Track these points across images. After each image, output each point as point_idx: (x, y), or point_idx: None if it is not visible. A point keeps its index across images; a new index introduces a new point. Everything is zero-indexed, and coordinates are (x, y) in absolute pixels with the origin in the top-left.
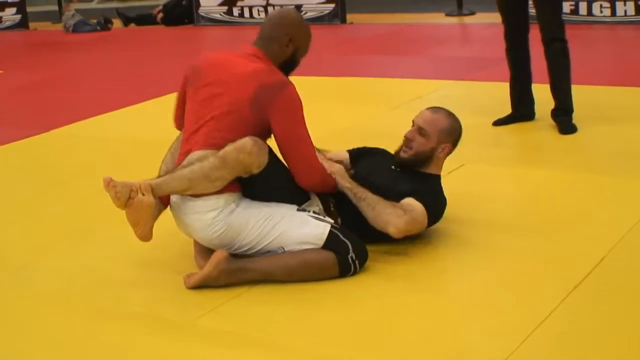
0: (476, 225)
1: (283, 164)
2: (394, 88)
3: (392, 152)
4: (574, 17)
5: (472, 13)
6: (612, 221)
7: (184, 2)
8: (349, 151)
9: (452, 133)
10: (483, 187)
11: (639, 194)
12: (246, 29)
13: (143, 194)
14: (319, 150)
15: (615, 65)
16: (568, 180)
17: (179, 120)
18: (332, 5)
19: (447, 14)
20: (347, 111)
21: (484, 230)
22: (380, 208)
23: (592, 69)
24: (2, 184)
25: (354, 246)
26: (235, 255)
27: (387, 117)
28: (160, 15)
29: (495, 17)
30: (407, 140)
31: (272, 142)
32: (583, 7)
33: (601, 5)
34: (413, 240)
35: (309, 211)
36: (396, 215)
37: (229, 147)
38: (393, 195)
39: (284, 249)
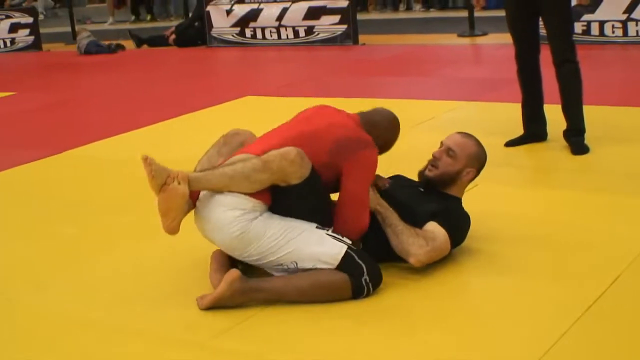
0: (489, 245)
1: (321, 185)
2: (406, 109)
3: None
4: (586, 38)
5: (484, 34)
6: (625, 241)
7: (196, 24)
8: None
9: (478, 159)
10: (496, 207)
11: None
12: (258, 50)
13: (179, 183)
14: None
15: (627, 86)
16: (581, 200)
17: None
18: (344, 27)
19: (460, 35)
20: None
21: (497, 250)
22: (404, 238)
23: (604, 89)
24: (17, 205)
25: (368, 269)
26: (247, 272)
27: (399, 138)
28: (173, 36)
29: (508, 38)
30: (434, 159)
31: None
32: (595, 28)
33: (613, 26)
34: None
35: (327, 230)
36: (418, 245)
37: (274, 152)
38: (416, 214)
39: (296, 263)
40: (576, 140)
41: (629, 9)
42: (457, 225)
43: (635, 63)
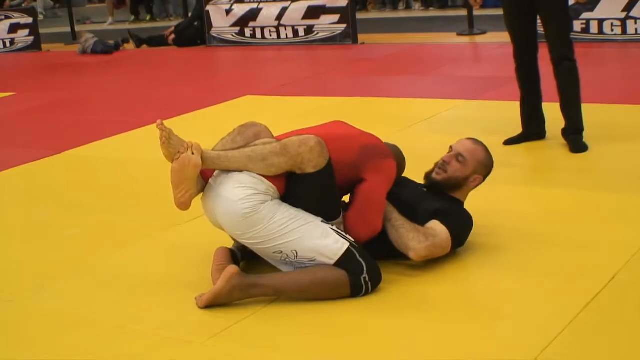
0: (487, 243)
1: (334, 180)
2: (405, 108)
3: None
4: (585, 36)
5: (483, 32)
6: (623, 239)
7: (195, 23)
8: None
9: (486, 167)
10: (495, 205)
11: None
12: (258, 50)
13: (193, 153)
14: None
15: (626, 84)
16: (579, 198)
17: None
18: (343, 26)
19: (459, 34)
20: None
21: (495, 248)
22: (403, 232)
23: (603, 87)
24: (17, 205)
25: (368, 268)
26: (247, 270)
27: (399, 137)
28: (172, 36)
29: (507, 37)
30: (444, 163)
31: None
32: (594, 26)
33: (612, 24)
34: (424, 261)
35: (332, 225)
36: (418, 240)
37: (294, 138)
38: (418, 212)
39: (297, 253)
40: (575, 139)
41: (628, 7)
42: (459, 224)
43: (634, 61)
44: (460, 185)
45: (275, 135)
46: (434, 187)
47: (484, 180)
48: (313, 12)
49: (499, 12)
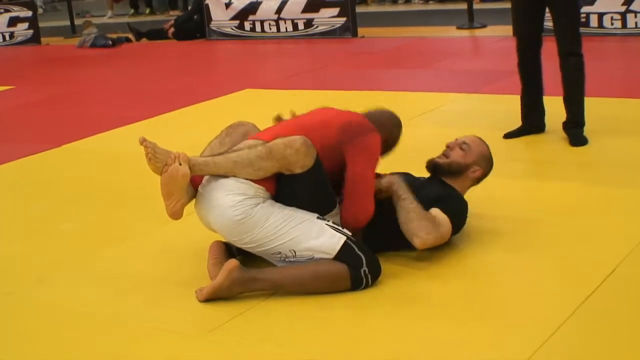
0: (487, 237)
1: (325, 175)
2: (405, 101)
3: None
4: (585, 30)
5: (483, 26)
6: (622, 233)
7: (195, 17)
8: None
9: (488, 161)
10: (494, 198)
11: None
12: (257, 43)
13: (180, 164)
14: (378, 175)
15: (626, 77)
16: (579, 192)
17: None
18: (343, 19)
19: (459, 27)
20: None
21: (494, 242)
22: (414, 216)
23: (603, 81)
24: (15, 199)
25: (367, 260)
26: (246, 263)
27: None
28: (172, 29)
29: (507, 30)
30: (447, 149)
31: None
32: (594, 20)
33: (612, 18)
34: (424, 253)
35: (328, 221)
36: (426, 230)
37: (279, 140)
38: (418, 198)
39: (295, 252)
40: (575, 132)
41: (628, 1)
42: (458, 210)
43: (634, 55)
44: (460, 172)
45: (261, 128)
46: (435, 171)
47: (483, 176)
48: (313, 6)
49: (499, 5)
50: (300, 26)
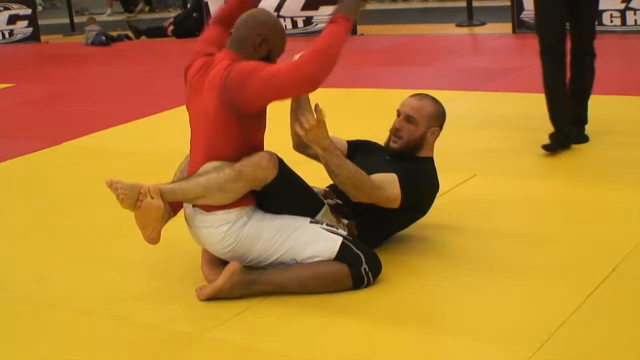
0: (486, 236)
1: (296, 175)
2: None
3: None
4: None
5: (482, 24)
6: (623, 232)
7: (194, 15)
8: (349, 142)
9: (439, 117)
10: (494, 197)
11: None
12: None
13: (152, 197)
14: None
15: (626, 75)
16: (579, 190)
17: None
18: None
19: (458, 25)
20: (358, 123)
21: (495, 240)
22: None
23: (603, 79)
24: (15, 196)
25: (367, 258)
26: (249, 267)
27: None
28: (171, 27)
29: (506, 28)
30: (396, 131)
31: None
32: None
33: (611, 15)
34: (426, 252)
35: (322, 223)
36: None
37: (246, 162)
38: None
39: (296, 260)
40: (577, 130)
41: None
42: (417, 184)
43: (633, 52)
44: (420, 144)
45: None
46: (397, 156)
47: (442, 128)
48: (312, 3)
49: (498, 3)
50: (300, 24)
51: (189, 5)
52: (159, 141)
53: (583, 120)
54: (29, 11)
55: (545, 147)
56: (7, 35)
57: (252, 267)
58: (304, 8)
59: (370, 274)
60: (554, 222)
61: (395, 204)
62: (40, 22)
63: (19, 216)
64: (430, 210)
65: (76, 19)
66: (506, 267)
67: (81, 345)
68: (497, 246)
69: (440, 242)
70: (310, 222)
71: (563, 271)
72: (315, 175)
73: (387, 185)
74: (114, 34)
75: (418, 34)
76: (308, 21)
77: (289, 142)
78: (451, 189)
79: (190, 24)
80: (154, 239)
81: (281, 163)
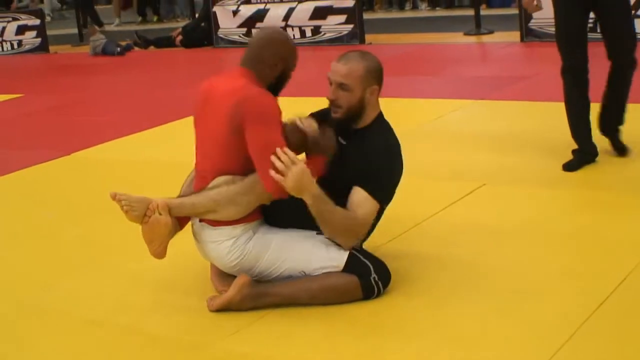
0: (495, 245)
1: None
2: (412, 108)
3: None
4: (592, 35)
5: (490, 32)
6: (633, 241)
7: (202, 24)
8: (312, 115)
9: (372, 74)
10: (503, 206)
11: None
12: None
13: (160, 214)
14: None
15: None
16: (589, 199)
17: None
18: (350, 26)
19: (466, 34)
20: None
21: (503, 250)
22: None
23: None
24: (23, 207)
25: (375, 267)
26: (258, 280)
27: (406, 137)
28: (180, 37)
29: (514, 36)
30: (332, 102)
31: None
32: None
33: None
34: (433, 261)
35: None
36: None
37: (256, 176)
38: (338, 185)
39: (304, 272)
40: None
41: (635, 6)
42: (383, 185)
43: None
44: (362, 107)
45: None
46: (343, 126)
47: (381, 83)
48: (320, 13)
49: (506, 11)
50: (308, 33)
51: (197, 15)
52: (170, 151)
53: (617, 125)
54: (37, 22)
55: (566, 167)
56: (15, 46)
57: (261, 280)
58: (312, 17)
59: (380, 283)
60: (564, 230)
61: (372, 218)
62: (49, 32)
63: (28, 225)
64: (439, 220)
65: (91, 28)
66: (515, 277)
67: (89, 354)
68: (505, 256)
69: (449, 251)
70: (317, 233)
71: (574, 280)
72: None
73: (364, 206)
74: (123, 43)
75: (426, 42)
76: (316, 30)
77: None
78: (460, 198)
79: (198, 34)
80: (160, 253)
81: None
